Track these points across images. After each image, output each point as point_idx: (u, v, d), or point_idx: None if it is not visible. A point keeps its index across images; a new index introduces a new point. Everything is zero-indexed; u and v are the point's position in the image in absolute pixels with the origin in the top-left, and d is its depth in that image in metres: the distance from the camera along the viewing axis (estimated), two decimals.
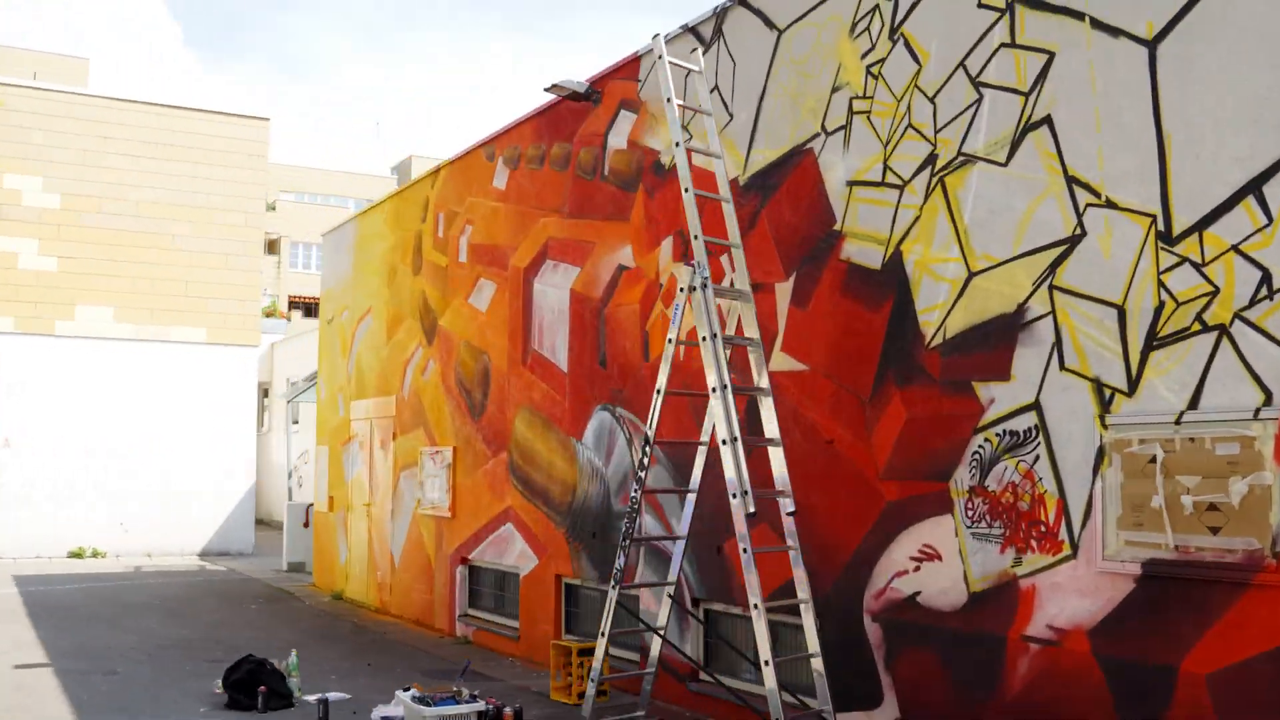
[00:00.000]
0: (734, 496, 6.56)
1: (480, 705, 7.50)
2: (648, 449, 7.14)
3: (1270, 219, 4.98)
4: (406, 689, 7.82)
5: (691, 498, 7.46)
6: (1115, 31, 5.64)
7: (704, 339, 6.84)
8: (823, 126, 7.42)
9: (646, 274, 9.09)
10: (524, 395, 10.79)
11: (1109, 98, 5.66)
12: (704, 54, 8.41)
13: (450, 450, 12.10)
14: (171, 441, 19.42)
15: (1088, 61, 5.77)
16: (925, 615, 6.49)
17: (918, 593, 6.55)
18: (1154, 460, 5.35)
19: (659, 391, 7.13)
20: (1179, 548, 5.22)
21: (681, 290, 7.01)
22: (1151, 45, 5.49)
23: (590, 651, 8.73)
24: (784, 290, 7.68)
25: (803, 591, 6.69)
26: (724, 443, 6.64)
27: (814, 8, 7.56)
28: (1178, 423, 5.25)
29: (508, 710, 7.58)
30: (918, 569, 6.58)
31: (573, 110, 10.24)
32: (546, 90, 9.97)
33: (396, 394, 13.59)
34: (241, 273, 20.02)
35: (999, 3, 6.26)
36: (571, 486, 9.96)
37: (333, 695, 8.63)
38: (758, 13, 8.07)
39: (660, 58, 7.39)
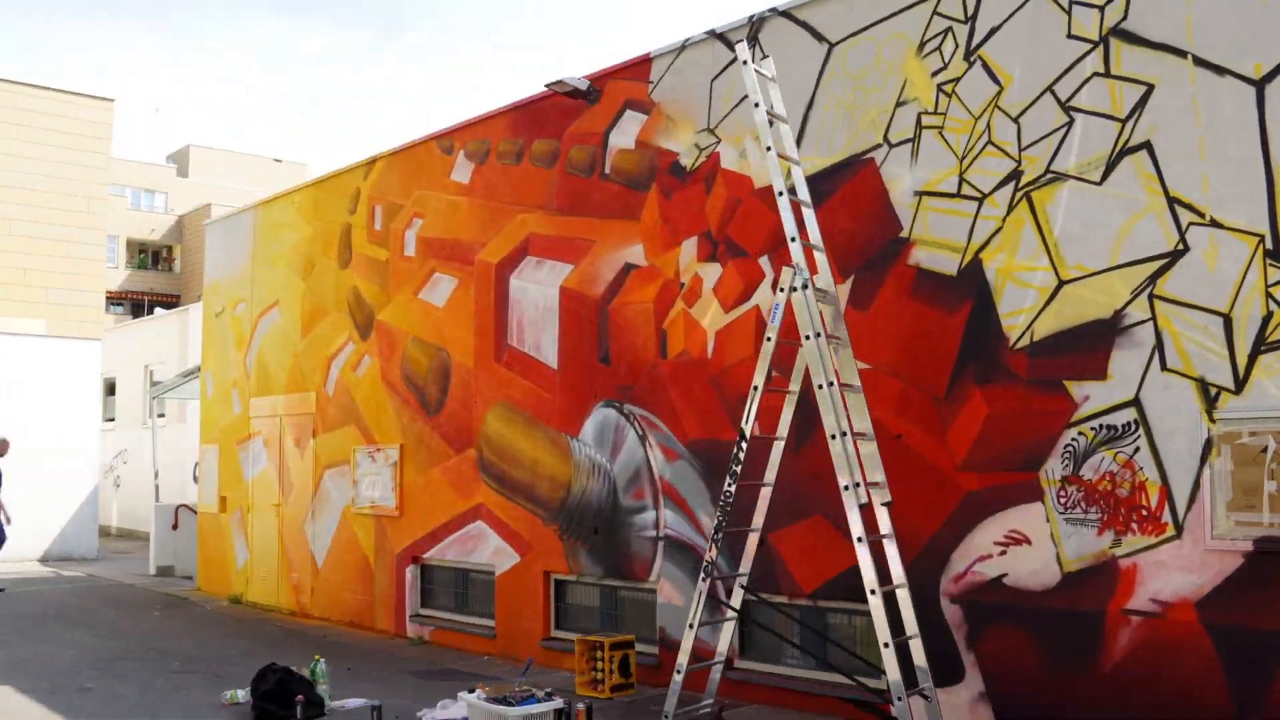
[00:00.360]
0: (846, 489, 6.88)
1: (559, 703, 7.50)
2: (742, 443, 7.36)
3: None
4: (472, 690, 7.70)
5: (767, 490, 7.68)
6: (1220, 70, 6.34)
7: (807, 338, 7.12)
8: (886, 138, 7.86)
9: (663, 273, 9.26)
10: (499, 392, 10.71)
11: (1214, 129, 6.34)
12: (737, 61, 8.71)
13: (396, 448, 11.81)
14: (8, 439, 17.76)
15: (1190, 95, 6.44)
16: (1013, 595, 7.02)
17: (1004, 575, 7.08)
18: (1265, 450, 6.07)
19: (756, 388, 7.35)
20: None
21: (781, 291, 7.26)
22: (1259, 85, 6.21)
23: (622, 645, 8.87)
24: (841, 292, 8.05)
25: (899, 577, 7.07)
26: (833, 437, 6.94)
27: (872, 25, 7.99)
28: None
29: (579, 707, 7.60)
30: (1003, 553, 7.11)
31: (560, 108, 10.26)
32: (549, 86, 9.96)
33: (317, 390, 13.10)
34: (84, 261, 18.58)
35: (1091, 35, 6.87)
36: (564, 483, 9.98)
37: (352, 702, 8.41)
38: (804, 25, 8.41)
39: (745, 63, 7.61)
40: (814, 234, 7.58)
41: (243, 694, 8.41)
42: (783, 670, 8.42)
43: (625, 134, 9.68)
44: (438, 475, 11.34)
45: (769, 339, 7.31)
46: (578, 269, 10.00)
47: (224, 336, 15.04)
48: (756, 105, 7.52)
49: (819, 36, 8.29)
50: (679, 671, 7.44)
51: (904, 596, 7.01)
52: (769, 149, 7.44)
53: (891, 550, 7.03)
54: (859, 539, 6.81)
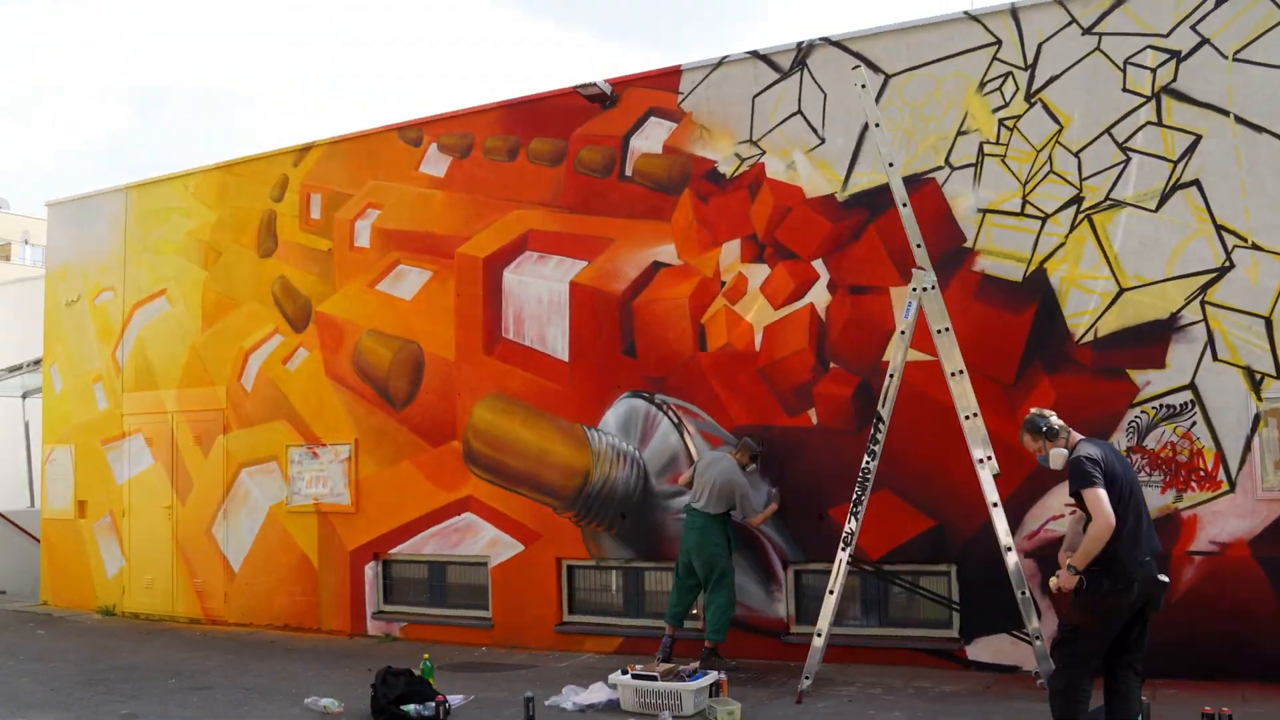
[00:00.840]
0: (980, 462, 8.05)
1: (720, 674, 8.08)
2: (880, 425, 8.31)
3: None
4: (625, 671, 8.07)
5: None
6: (1258, 128, 8.15)
7: (939, 331, 8.22)
8: (948, 161, 9.12)
9: (701, 272, 9.96)
10: (491, 384, 10.87)
11: (1253, 172, 8.14)
12: (783, 81, 9.68)
13: (349, 444, 11.56)
14: None
15: (1234, 146, 8.21)
16: None
17: None
18: None
19: (892, 375, 8.30)
20: None
21: (914, 290, 8.29)
22: None
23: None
24: (900, 293, 9.20)
25: (1005, 540, 8.23)
26: (966, 418, 8.09)
27: (932, 62, 9.22)
28: None
29: (722, 678, 8.17)
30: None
31: (565, 109, 10.67)
32: (578, 89, 10.34)
33: (228, 384, 12.40)
34: None
35: (1144, 91, 8.50)
36: (581, 471, 10.39)
37: (454, 699, 8.36)
38: (858, 55, 9.50)
39: (863, 87, 8.58)
40: (914, 234, 8.60)
41: (332, 703, 8.08)
42: (843, 630, 9.42)
43: (649, 139, 10.28)
44: (408, 469, 11.26)
45: (903, 332, 8.33)
46: (593, 265, 10.45)
47: (80, 327, 13.67)
48: (877, 125, 8.53)
49: (874, 67, 9.40)
50: (819, 635, 8.27)
51: (1010, 556, 8.26)
52: (891, 165, 8.47)
53: (1000, 515, 8.29)
54: (994, 504, 8.02)
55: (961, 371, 8.14)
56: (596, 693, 8.17)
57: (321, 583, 11.68)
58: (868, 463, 8.33)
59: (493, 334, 10.90)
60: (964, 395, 8.12)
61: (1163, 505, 8.25)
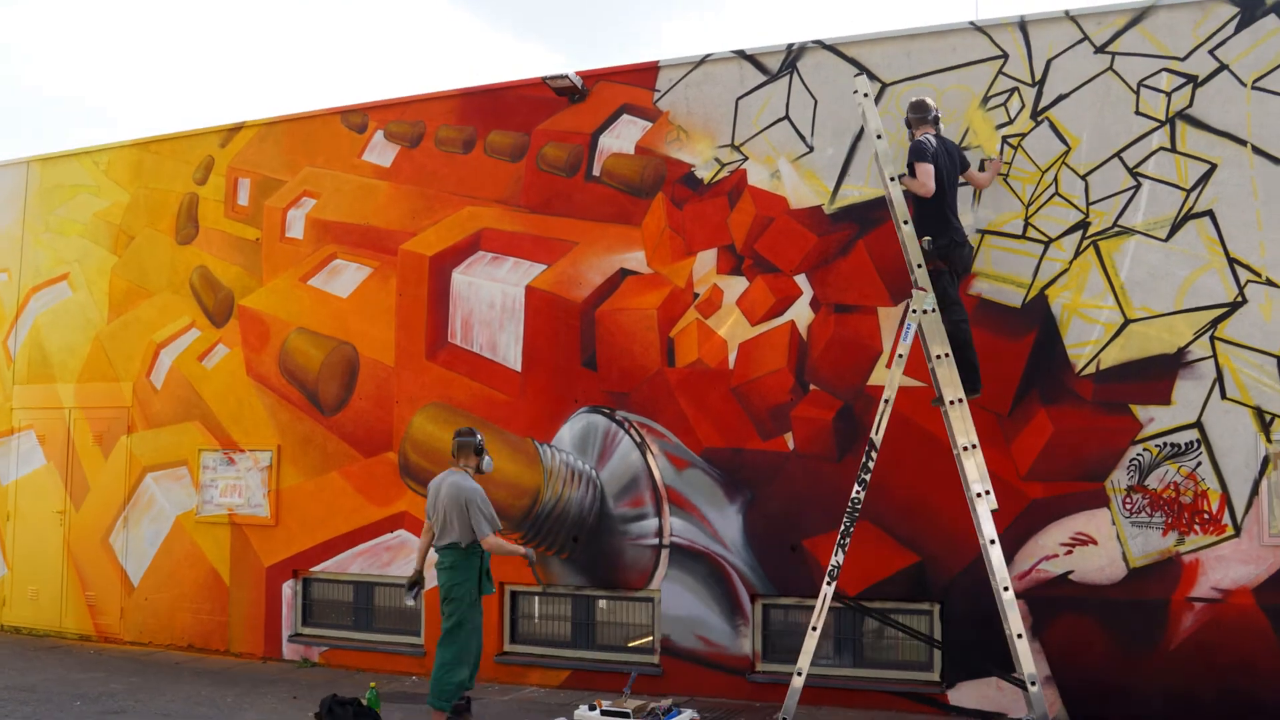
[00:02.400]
0: (979, 496, 7.38)
1: (694, 713, 7.26)
2: (871, 453, 7.59)
3: None
4: (592, 707, 7.19)
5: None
6: (1275, 160, 7.69)
7: (938, 357, 7.53)
8: None
9: (672, 281, 9.14)
10: (433, 391, 9.85)
11: (1270, 206, 7.65)
12: (770, 84, 8.96)
13: (271, 451, 10.41)
14: None
15: (1250, 177, 7.72)
16: (1079, 589, 7.86)
17: (1070, 571, 7.93)
18: None
19: (887, 401, 7.58)
20: None
21: (914, 312, 7.60)
22: None
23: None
24: (889, 314, 8.53)
25: (1004, 581, 7.57)
26: (964, 449, 7.41)
27: (933, 73, 8.58)
28: None
29: (696, 716, 7.38)
30: (1069, 553, 7.95)
31: (528, 101, 9.75)
32: (546, 80, 9.43)
33: (135, 381, 11.10)
34: None
35: (1158, 115, 7.97)
36: (530, 490, 9.44)
37: None
38: (854, 61, 8.82)
39: (865, 95, 7.89)
40: (914, 253, 7.96)
41: None
42: (814, 670, 8.65)
43: (621, 138, 9.43)
44: (336, 481, 10.15)
45: (901, 356, 7.61)
46: (553, 269, 9.54)
47: None
48: (879, 137, 7.83)
49: (872, 75, 8.73)
50: (799, 674, 7.50)
51: (1010, 597, 7.61)
52: (893, 179, 7.79)
53: (997, 553, 7.63)
54: (991, 541, 7.36)
55: (961, 400, 7.47)
56: None
57: (232, 601, 10.47)
58: (858, 492, 7.57)
59: (437, 338, 9.89)
60: (963, 425, 7.43)
61: (1164, 548, 7.70)
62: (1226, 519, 7.56)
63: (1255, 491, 7.52)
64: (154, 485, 10.77)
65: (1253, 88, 7.67)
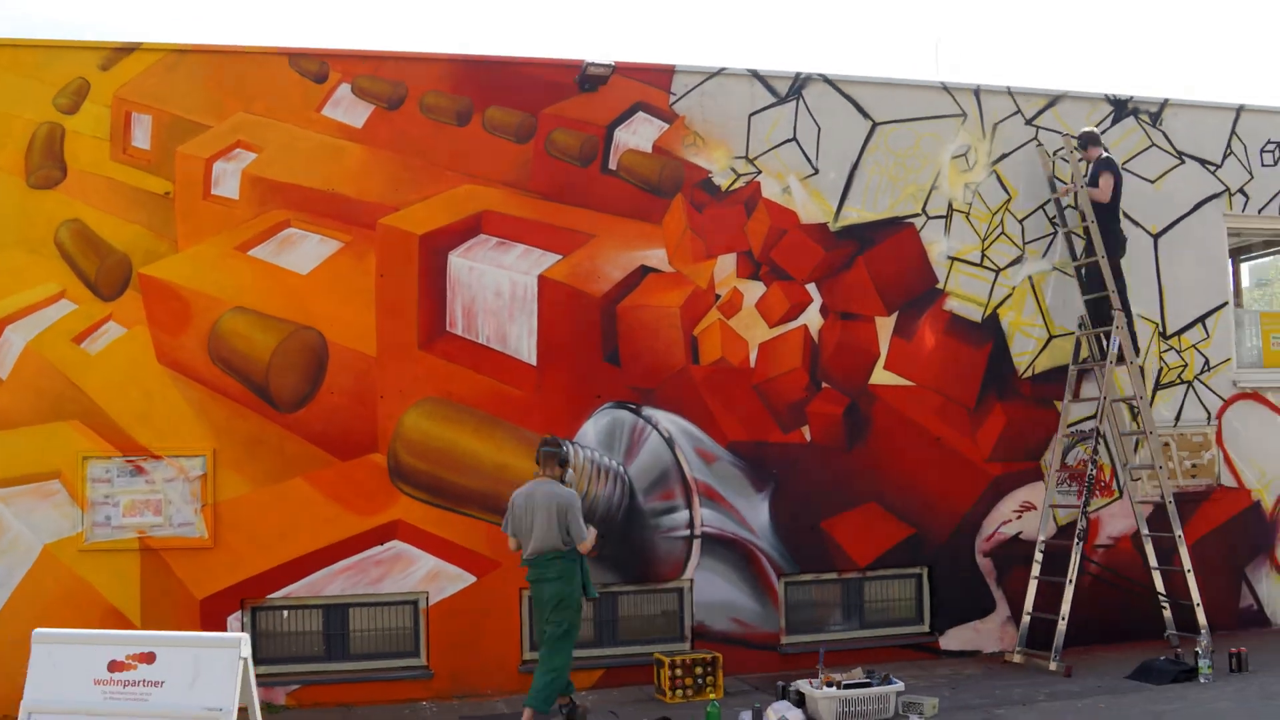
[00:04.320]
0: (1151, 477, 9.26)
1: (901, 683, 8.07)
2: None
3: (1208, 334, 10.83)
4: (813, 682, 7.69)
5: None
6: (1138, 224, 10.66)
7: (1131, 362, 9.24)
8: (924, 210, 10.15)
9: (694, 282, 9.56)
10: (428, 385, 9.00)
11: (1134, 257, 10.60)
12: (779, 106, 9.89)
13: (205, 456, 8.52)
14: None
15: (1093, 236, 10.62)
16: (1026, 547, 10.12)
17: (1020, 532, 10.15)
18: (1168, 445, 10.57)
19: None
20: (1179, 487, 10.56)
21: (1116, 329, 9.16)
22: (1155, 237, 10.74)
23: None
24: (884, 323, 9.97)
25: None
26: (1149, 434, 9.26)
27: (913, 119, 10.18)
28: (1174, 425, 10.63)
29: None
30: (1019, 517, 10.19)
31: (533, 80, 9.41)
32: (592, 64, 9.13)
33: None
34: None
35: (1067, 180, 10.49)
36: None
37: None
38: (849, 99, 10.04)
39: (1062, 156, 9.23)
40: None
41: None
42: (830, 635, 9.77)
43: (637, 135, 9.59)
44: (301, 489, 8.73)
45: (1110, 363, 9.17)
46: (568, 261, 9.36)
47: None
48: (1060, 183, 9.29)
49: (864, 114, 10.07)
50: (1063, 619, 9.30)
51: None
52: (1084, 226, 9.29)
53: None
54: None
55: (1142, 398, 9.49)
56: (778, 709, 7.70)
57: None
58: (1091, 468, 9.80)
59: (432, 326, 9.06)
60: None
61: (1076, 510, 10.27)
62: (1115, 486, 10.38)
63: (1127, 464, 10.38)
64: (2, 508, 8.16)
65: (1123, 168, 10.46)
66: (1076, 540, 9.60)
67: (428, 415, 9.01)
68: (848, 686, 7.71)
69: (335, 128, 9.03)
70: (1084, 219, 10.03)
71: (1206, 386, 10.88)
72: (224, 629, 8.55)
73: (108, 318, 8.56)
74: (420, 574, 8.94)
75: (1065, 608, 9.40)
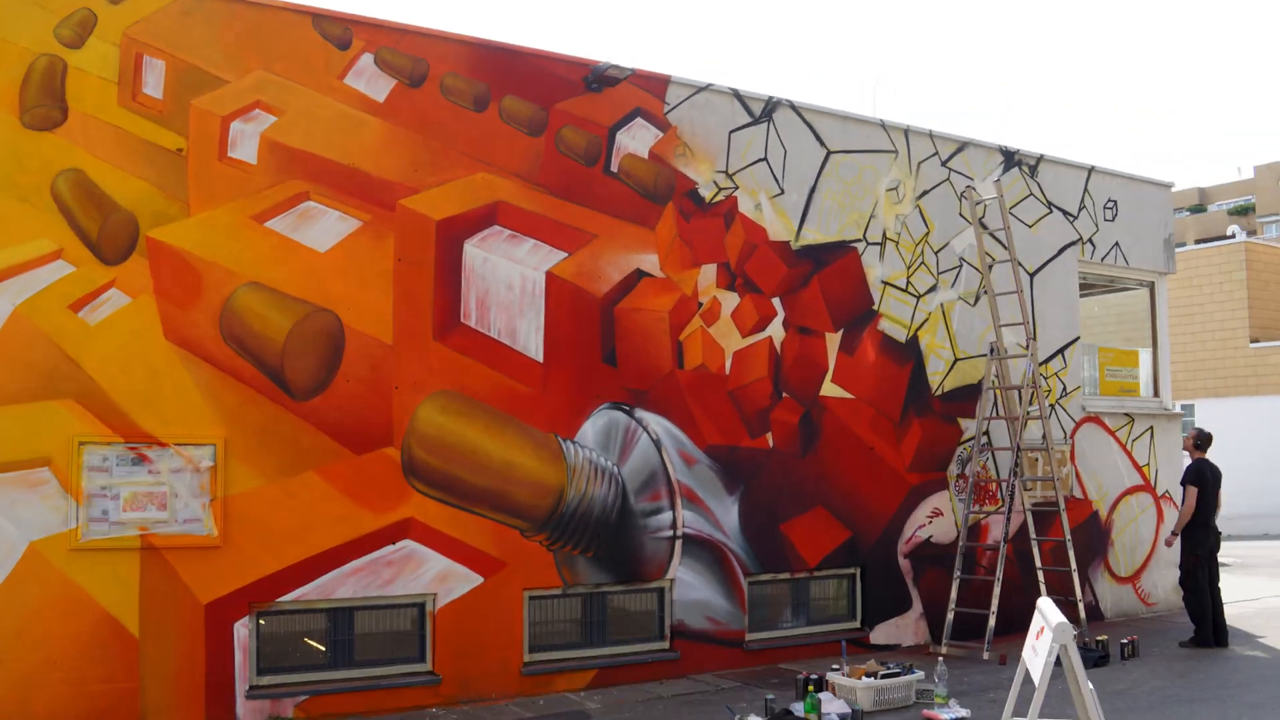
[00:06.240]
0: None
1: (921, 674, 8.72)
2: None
3: (1066, 364, 12.48)
4: (835, 667, 8.25)
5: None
6: (1021, 264, 12.11)
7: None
8: (864, 237, 11.01)
9: (681, 288, 9.85)
10: (443, 378, 8.68)
11: (1024, 292, 12.05)
12: (754, 126, 10.45)
13: (214, 445, 7.72)
14: None
15: (1011, 268, 11.99)
16: (936, 549, 11.20)
17: (931, 536, 11.21)
18: (1036, 460, 12.06)
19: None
20: (1044, 497, 12.06)
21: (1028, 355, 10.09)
22: (1032, 275, 12.26)
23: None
24: (832, 339, 10.72)
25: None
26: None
27: (856, 151, 11.02)
28: (1042, 438, 12.14)
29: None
30: (930, 522, 11.25)
31: (549, 75, 9.37)
32: (610, 68, 9.14)
33: None
34: None
35: (970, 219, 11.76)
36: (554, 489, 9.10)
37: None
38: (810, 127, 10.73)
39: (978, 203, 10.07)
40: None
41: None
42: (780, 633, 10.30)
43: (637, 140, 9.77)
44: (314, 483, 8.12)
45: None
46: (574, 259, 9.37)
47: None
48: (985, 229, 10.19)
49: (821, 142, 10.81)
50: (993, 614, 10.33)
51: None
52: (996, 263, 10.22)
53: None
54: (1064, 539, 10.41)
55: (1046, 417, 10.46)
56: (825, 702, 8.19)
57: (145, 658, 7.47)
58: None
59: (448, 316, 8.77)
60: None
61: (971, 516, 11.52)
62: (1001, 495, 11.74)
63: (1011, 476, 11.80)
64: None
65: (1010, 212, 11.93)
66: (1003, 542, 10.80)
67: (441, 409, 8.67)
68: (884, 677, 8.31)
69: (357, 99, 8.51)
70: (1009, 254, 11.35)
71: (1064, 410, 12.53)
72: (229, 636, 7.78)
73: (110, 284, 7.57)
74: (430, 575, 8.56)
75: (995, 603, 10.55)
